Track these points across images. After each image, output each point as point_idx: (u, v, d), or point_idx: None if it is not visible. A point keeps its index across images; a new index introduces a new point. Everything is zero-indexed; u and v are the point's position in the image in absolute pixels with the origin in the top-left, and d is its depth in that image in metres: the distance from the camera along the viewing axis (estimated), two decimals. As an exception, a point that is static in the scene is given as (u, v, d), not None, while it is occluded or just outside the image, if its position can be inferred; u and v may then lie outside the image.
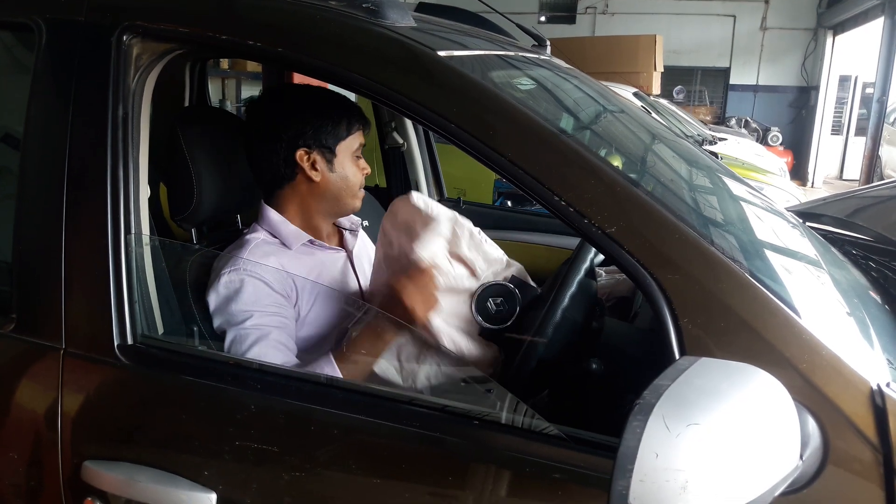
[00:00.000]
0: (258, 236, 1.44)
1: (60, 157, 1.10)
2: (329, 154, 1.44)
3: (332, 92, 1.48)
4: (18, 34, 1.29)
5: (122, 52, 1.10)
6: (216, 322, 1.31)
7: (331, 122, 1.43)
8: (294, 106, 1.42)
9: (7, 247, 1.14)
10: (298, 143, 1.41)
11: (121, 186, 1.09)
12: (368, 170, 1.50)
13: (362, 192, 1.51)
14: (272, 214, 1.46)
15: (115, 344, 1.07)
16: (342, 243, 1.60)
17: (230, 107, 8.23)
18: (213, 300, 1.32)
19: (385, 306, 1.29)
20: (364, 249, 1.63)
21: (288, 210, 1.47)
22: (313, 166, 1.43)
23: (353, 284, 1.54)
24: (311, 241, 1.48)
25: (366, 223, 1.83)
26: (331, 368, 1.27)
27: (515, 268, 1.40)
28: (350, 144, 1.46)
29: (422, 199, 1.39)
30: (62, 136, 1.10)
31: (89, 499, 1.05)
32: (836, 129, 12.75)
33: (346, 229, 1.63)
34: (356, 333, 1.32)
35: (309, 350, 1.38)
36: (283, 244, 1.44)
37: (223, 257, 1.37)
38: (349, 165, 1.47)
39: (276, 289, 1.35)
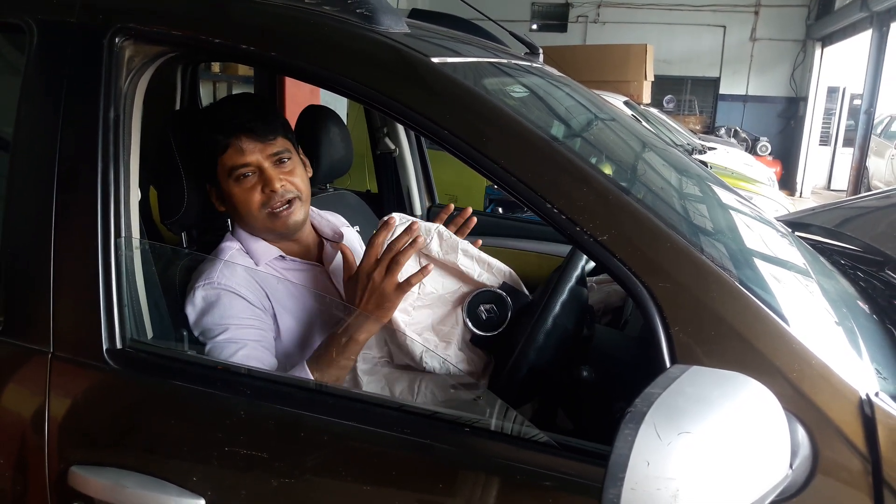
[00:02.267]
0: (233, 246, 1.41)
1: (50, 158, 1.09)
2: (215, 185, 1.39)
3: (211, 110, 1.42)
4: (9, 35, 1.28)
5: (114, 54, 1.10)
6: (195, 334, 1.30)
7: (201, 153, 1.36)
8: (189, 140, 1.40)
9: (-5, 249, 1.13)
10: (203, 178, 1.40)
11: (111, 189, 1.08)
12: (275, 184, 1.34)
13: (281, 211, 1.37)
14: (238, 230, 1.44)
15: (104, 348, 1.06)
16: (322, 255, 1.54)
17: (221, 110, 8.19)
18: (190, 314, 1.30)
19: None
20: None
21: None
22: (217, 198, 1.41)
23: (333, 296, 1.49)
24: (281, 257, 1.44)
25: (356, 228, 1.82)
26: (305, 376, 1.25)
27: (507, 272, 1.40)
28: (222, 169, 1.35)
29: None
30: (52, 137, 1.09)
31: (75, 504, 1.04)
32: (825, 140, 12.84)
33: (327, 239, 1.57)
34: (325, 338, 1.29)
35: (292, 364, 1.36)
36: (254, 259, 1.41)
37: (199, 271, 1.35)
38: (231, 190, 1.36)
39: (252, 301, 1.32)
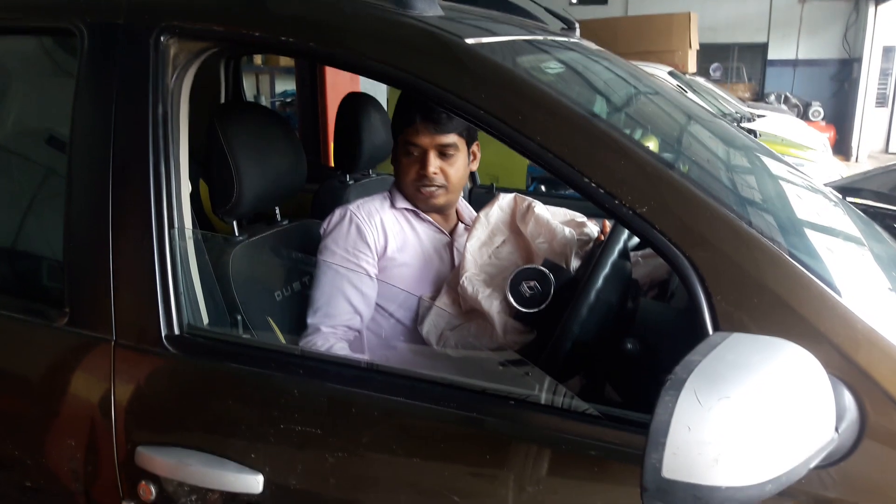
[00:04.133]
0: (386, 191, 1.65)
1: (105, 156, 1.14)
2: (395, 142, 1.60)
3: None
4: (61, 39, 1.34)
5: (160, 52, 1.14)
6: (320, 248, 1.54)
7: (398, 113, 1.56)
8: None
9: (58, 244, 1.18)
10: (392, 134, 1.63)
11: (163, 182, 1.13)
12: (429, 169, 1.55)
13: (426, 191, 1.58)
14: (395, 182, 1.65)
15: (163, 334, 1.11)
16: (453, 231, 1.69)
17: (264, 101, 8.34)
18: (323, 231, 1.56)
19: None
20: None
21: None
22: (394, 151, 1.62)
23: (447, 265, 1.64)
24: (413, 212, 1.61)
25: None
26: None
27: (569, 243, 1.49)
28: (403, 139, 1.56)
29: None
30: (105, 135, 1.14)
31: (143, 482, 1.09)
32: (881, 102, 12.36)
33: (464, 223, 1.72)
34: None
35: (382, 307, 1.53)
36: (392, 202, 1.63)
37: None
38: (399, 157, 1.59)
39: (366, 237, 1.52)
